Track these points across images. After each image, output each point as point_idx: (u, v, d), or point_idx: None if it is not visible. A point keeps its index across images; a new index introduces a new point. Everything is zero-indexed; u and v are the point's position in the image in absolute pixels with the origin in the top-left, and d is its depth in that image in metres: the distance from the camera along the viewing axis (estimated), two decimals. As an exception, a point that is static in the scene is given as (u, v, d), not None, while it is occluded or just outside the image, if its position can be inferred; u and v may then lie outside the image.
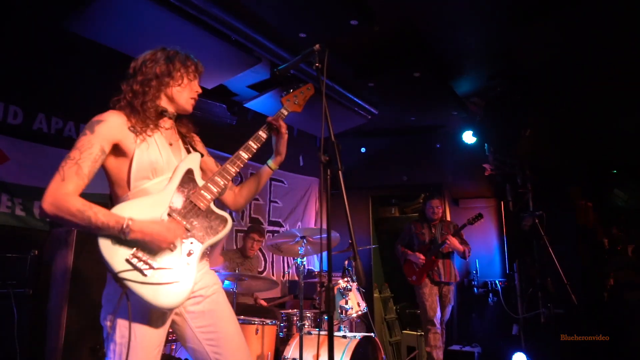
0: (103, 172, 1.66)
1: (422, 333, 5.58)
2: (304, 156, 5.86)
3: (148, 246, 1.52)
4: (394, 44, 3.97)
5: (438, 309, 4.35)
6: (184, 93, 1.77)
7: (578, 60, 4.17)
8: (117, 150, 1.62)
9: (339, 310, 3.52)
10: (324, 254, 1.59)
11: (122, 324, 1.54)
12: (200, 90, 1.82)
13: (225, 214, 1.74)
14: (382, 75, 4.29)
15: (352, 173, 6.08)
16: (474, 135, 5.48)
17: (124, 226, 1.47)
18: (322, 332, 3.29)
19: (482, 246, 5.19)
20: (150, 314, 1.58)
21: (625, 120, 5.38)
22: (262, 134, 1.87)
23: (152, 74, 1.72)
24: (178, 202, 1.66)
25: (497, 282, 5.52)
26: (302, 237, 3.57)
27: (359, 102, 4.88)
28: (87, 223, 1.46)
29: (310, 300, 4.35)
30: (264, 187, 2.39)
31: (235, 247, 4.79)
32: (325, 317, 1.53)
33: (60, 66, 3.46)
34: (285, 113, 1.96)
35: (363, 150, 6.20)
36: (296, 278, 4.89)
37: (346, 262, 3.95)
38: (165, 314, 1.63)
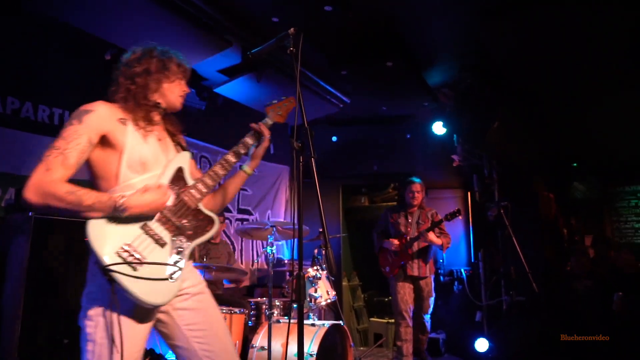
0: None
1: (390, 321, 5.69)
2: (274, 144, 5.79)
3: (141, 216, 1.53)
4: (367, 33, 3.95)
5: (410, 302, 4.16)
6: (175, 90, 1.77)
7: (545, 56, 4.27)
8: (104, 142, 1.58)
9: (308, 299, 3.52)
10: (294, 242, 1.58)
11: (106, 322, 1.49)
12: (188, 90, 1.82)
13: (213, 215, 1.76)
14: (355, 63, 4.27)
15: (323, 162, 6.06)
16: (444, 126, 5.54)
17: (119, 202, 1.46)
18: (291, 321, 3.28)
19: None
20: (136, 312, 1.54)
21: (586, 116, 5.58)
22: (249, 140, 1.86)
23: (152, 69, 1.70)
24: (169, 200, 1.66)
25: (462, 270, 5.66)
26: (272, 226, 3.54)
27: (332, 90, 4.84)
28: (77, 203, 1.44)
29: (279, 288, 4.33)
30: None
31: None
32: (295, 306, 1.50)
33: (17, 43, 3.25)
34: (270, 122, 1.97)
35: (334, 139, 6.18)
36: (265, 267, 4.86)
37: (315, 251, 3.95)
38: (151, 313, 1.60)
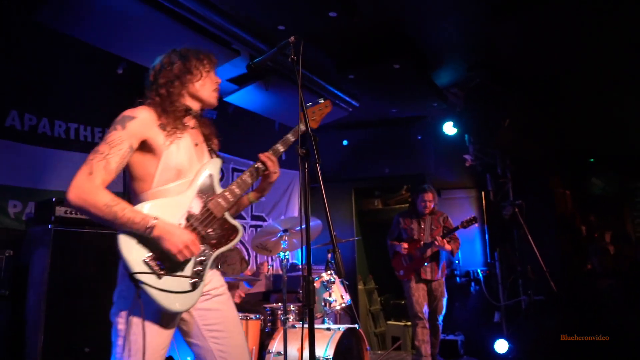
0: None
1: (407, 324, 5.66)
2: (286, 150, 5.84)
3: (162, 248, 1.53)
4: (373, 36, 3.96)
5: (425, 304, 4.28)
6: (205, 86, 1.80)
7: (556, 51, 4.23)
8: (144, 146, 1.64)
9: (323, 303, 3.53)
10: (302, 247, 1.60)
11: (134, 322, 1.55)
12: (219, 80, 1.86)
13: (237, 224, 1.77)
14: (363, 67, 4.28)
15: (334, 166, 6.08)
16: (454, 126, 5.52)
17: (149, 224, 1.50)
18: (305, 325, 3.30)
19: (464, 236, 5.25)
20: (161, 314, 1.60)
21: (601, 110, 5.49)
22: (259, 165, 1.85)
23: (172, 76, 1.74)
24: (196, 207, 1.69)
25: (479, 271, 5.60)
26: (285, 231, 3.56)
27: (340, 94, 4.87)
28: (112, 218, 1.48)
29: (294, 293, 4.35)
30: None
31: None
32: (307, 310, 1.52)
33: (33, 61, 3.36)
34: (303, 128, 1.97)
35: (345, 143, 6.20)
36: (280, 272, 4.90)
37: (329, 255, 3.96)
38: (176, 315, 1.66)
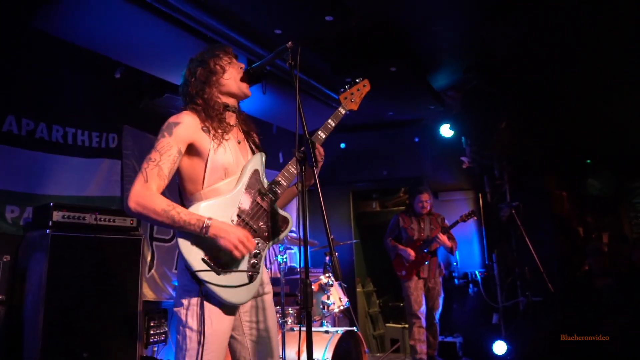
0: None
1: (406, 326, 5.67)
2: (283, 153, 5.85)
3: (218, 247, 1.59)
4: (370, 40, 3.98)
5: (423, 303, 4.41)
6: (232, 75, 1.84)
7: (552, 52, 4.25)
8: (191, 149, 1.71)
9: (321, 306, 3.54)
10: (300, 250, 1.61)
11: (197, 313, 1.62)
12: (243, 66, 1.89)
13: (287, 214, 1.83)
14: (359, 70, 4.29)
15: (332, 169, 6.09)
16: (451, 128, 5.54)
17: (204, 225, 1.57)
18: (303, 329, 3.30)
19: (461, 238, 5.27)
20: (222, 307, 1.67)
21: (598, 111, 5.51)
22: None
23: (200, 83, 1.78)
24: (246, 203, 1.74)
25: (476, 272, 5.62)
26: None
27: (337, 97, 4.87)
28: (170, 221, 1.56)
29: (292, 296, 4.35)
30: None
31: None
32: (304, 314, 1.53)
33: (29, 65, 3.36)
34: (343, 112, 1.98)
35: (343, 146, 6.21)
36: (278, 275, 4.91)
37: (327, 258, 3.97)
38: (236, 307, 1.73)
